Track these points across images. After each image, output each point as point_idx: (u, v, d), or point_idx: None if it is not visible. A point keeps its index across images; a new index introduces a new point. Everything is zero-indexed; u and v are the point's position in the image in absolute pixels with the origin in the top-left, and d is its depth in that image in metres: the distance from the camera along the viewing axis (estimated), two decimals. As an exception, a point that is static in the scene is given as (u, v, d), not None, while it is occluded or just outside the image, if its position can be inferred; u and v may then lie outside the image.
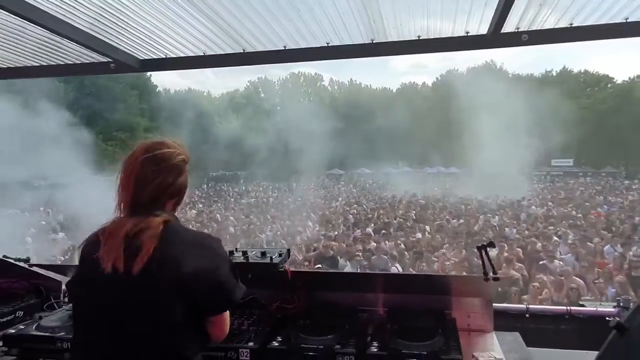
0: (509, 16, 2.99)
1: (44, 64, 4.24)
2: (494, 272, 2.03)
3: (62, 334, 2.15)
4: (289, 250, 2.35)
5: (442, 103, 48.57)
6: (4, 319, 2.46)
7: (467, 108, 44.31)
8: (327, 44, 3.66)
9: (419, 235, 11.84)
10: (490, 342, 2.23)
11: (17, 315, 2.54)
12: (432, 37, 3.50)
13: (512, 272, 7.69)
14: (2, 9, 2.94)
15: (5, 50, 4.04)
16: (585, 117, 36.42)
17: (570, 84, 45.22)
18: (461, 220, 14.51)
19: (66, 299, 2.84)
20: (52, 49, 3.95)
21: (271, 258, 2.19)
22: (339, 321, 2.19)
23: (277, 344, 1.99)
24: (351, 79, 64.59)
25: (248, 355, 1.94)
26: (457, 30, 3.39)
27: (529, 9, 3.08)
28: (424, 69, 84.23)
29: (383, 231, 12.39)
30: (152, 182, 1.53)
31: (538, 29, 3.33)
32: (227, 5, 3.20)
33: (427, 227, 13.34)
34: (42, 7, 3.13)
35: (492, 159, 42.60)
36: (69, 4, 3.16)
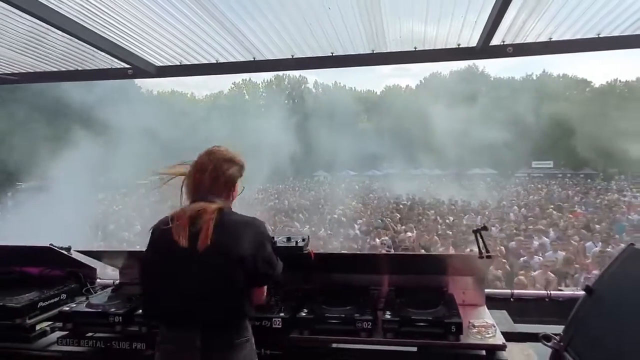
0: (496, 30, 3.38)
1: (63, 69, 4.47)
2: (487, 252, 2.40)
3: (113, 309, 2.45)
4: (308, 237, 2.69)
5: (426, 105, 49.33)
6: (51, 301, 2.76)
7: (450, 111, 45.09)
8: (332, 53, 4.00)
9: (409, 234, 12.23)
10: (482, 313, 2.60)
11: (61, 298, 2.83)
12: (427, 48, 3.87)
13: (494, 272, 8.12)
14: (24, 12, 3.17)
15: (25, 55, 4.26)
16: (564, 119, 37.41)
17: (550, 87, 46.31)
18: (447, 220, 14.96)
19: (97, 286, 3.15)
20: (71, 54, 4.18)
21: (296, 242, 2.53)
22: (354, 297, 2.54)
23: (304, 314, 2.33)
24: (335, 81, 64.95)
25: (280, 324, 2.29)
26: (450, 42, 3.77)
27: (514, 25, 3.48)
28: (407, 72, 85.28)
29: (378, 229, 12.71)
30: (207, 171, 1.93)
31: (521, 42, 3.74)
32: (241, 14, 3.48)
33: (413, 227, 13.75)
34: (63, 12, 3.36)
35: (474, 160, 43.51)
36: (90, 10, 3.39)
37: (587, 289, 1.91)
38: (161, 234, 1.86)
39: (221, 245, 1.76)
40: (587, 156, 38.94)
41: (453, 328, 2.16)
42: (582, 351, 1.81)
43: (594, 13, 3.34)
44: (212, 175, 1.93)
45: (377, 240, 11.11)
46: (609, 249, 9.57)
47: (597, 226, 12.63)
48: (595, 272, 8.03)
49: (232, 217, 1.90)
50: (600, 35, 3.66)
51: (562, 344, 1.91)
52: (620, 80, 50.56)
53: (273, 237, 2.22)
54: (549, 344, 1.95)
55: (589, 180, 35.94)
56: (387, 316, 2.25)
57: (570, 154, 38.56)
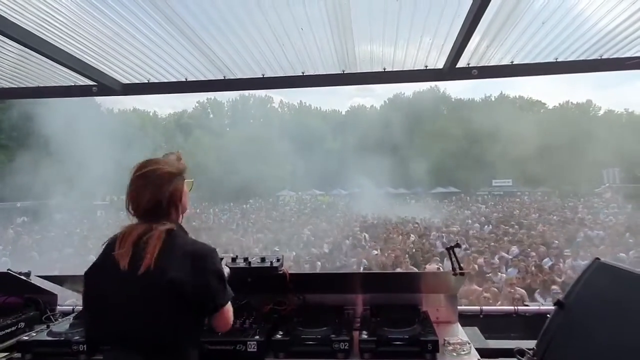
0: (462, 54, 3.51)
1: (23, 86, 4.30)
2: (460, 269, 2.44)
3: (77, 338, 2.33)
4: (283, 257, 2.65)
5: (390, 126, 50.39)
6: (8, 330, 2.58)
7: (413, 131, 46.24)
8: (303, 72, 4.03)
9: (375, 252, 12.30)
10: (456, 330, 2.62)
11: (18, 326, 2.66)
12: (396, 69, 3.96)
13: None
14: None
15: (-18, 71, 4.07)
16: (521, 139, 38.98)
17: (507, 108, 48.26)
18: (412, 238, 15.17)
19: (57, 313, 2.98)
20: (32, 70, 4.02)
21: (271, 262, 2.49)
22: (330, 317, 2.51)
23: (280, 336, 2.28)
24: (301, 101, 65.53)
25: (255, 347, 2.22)
26: (418, 64, 3.88)
27: (478, 48, 3.63)
28: (371, 92, 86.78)
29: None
30: (147, 193, 1.84)
31: (486, 65, 3.89)
32: (212, 31, 3.43)
33: (378, 247, 13.86)
34: (19, 23, 3.18)
35: (437, 179, 44.58)
36: (50, 23, 3.25)
37: (558, 303, 1.97)
38: (109, 252, 1.80)
39: (161, 269, 1.71)
40: (543, 175, 40.55)
41: (429, 346, 2.16)
42: (555, 365, 1.85)
43: (552, 39, 3.52)
44: (154, 199, 1.84)
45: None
46: (564, 265, 10.03)
47: (556, 242, 13.13)
48: (555, 287, 8.32)
49: (179, 240, 1.83)
50: (558, 60, 3.85)
51: (535, 358, 1.95)
52: (572, 102, 53.44)
53: (235, 260, 2.15)
54: (522, 358, 1.98)
55: (545, 197, 37.37)
56: (364, 336, 2.24)
57: (528, 172, 40.05)
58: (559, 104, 54.43)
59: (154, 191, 1.84)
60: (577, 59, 3.84)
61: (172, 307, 1.72)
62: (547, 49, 3.69)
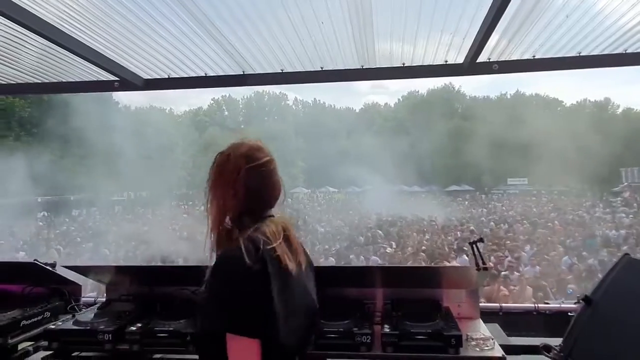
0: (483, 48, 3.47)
1: (47, 81, 4.37)
2: (484, 264, 2.42)
3: (102, 327, 2.36)
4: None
5: (404, 123, 50.16)
6: (34, 319, 2.63)
7: (427, 128, 45.92)
8: (321, 68, 4.03)
9: (389, 249, 12.27)
10: (478, 326, 2.60)
11: (44, 316, 2.71)
12: (415, 64, 3.94)
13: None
14: (3, 16, 2.94)
15: (6, 66, 4.13)
16: (537, 137, 38.43)
17: (523, 106, 47.61)
18: (427, 236, 15.10)
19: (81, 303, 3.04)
20: (52, 64, 4.04)
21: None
22: (350, 311, 2.51)
23: (302, 329, 2.28)
24: (315, 98, 65.52)
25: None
26: (438, 59, 3.85)
27: (500, 43, 3.58)
28: (386, 90, 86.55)
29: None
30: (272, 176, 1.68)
31: (507, 59, 3.84)
32: (233, 25, 3.42)
33: (393, 243, 13.82)
34: (42, 17, 3.17)
35: (452, 177, 44.23)
36: (73, 16, 3.26)
37: (586, 299, 1.94)
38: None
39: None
40: (560, 173, 39.97)
41: (453, 341, 2.15)
42: (582, 361, 1.83)
43: (576, 32, 3.46)
44: (273, 174, 1.67)
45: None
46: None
47: (569, 241, 12.97)
48: (572, 286, 8.22)
49: None
50: (581, 54, 3.79)
51: (562, 354, 1.92)
52: (589, 100, 52.53)
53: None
54: (549, 354, 1.96)
55: (562, 197, 36.83)
56: (386, 330, 2.23)
57: (544, 170, 39.50)
58: (577, 101, 53.63)
59: (275, 170, 1.74)
60: (601, 53, 3.77)
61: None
62: (570, 43, 3.63)
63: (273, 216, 1.67)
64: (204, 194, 1.62)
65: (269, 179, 1.65)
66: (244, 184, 1.56)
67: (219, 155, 1.66)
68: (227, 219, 1.60)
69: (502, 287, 7.78)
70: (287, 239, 1.60)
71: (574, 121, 42.69)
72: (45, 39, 3.39)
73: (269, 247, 1.48)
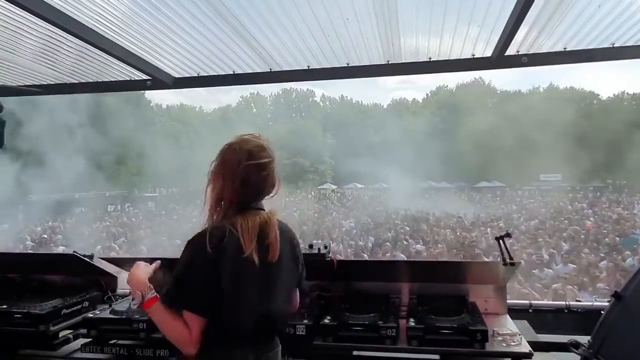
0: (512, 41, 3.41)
1: (83, 81, 4.54)
2: (511, 259, 2.40)
3: (137, 316, 2.46)
4: (330, 244, 2.71)
5: (433, 119, 49.47)
6: (74, 309, 2.77)
7: (456, 124, 45.15)
8: (347, 64, 4.05)
9: (418, 246, 12.18)
10: (505, 322, 2.58)
11: (83, 305, 2.84)
12: (442, 58, 3.90)
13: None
14: (39, 18, 3.12)
15: (42, 65, 4.28)
16: (572, 132, 37.22)
17: (557, 100, 46.17)
18: (457, 233, 14.89)
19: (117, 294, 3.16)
20: (88, 65, 4.20)
21: (319, 249, 2.55)
22: (376, 304, 2.54)
23: (327, 321, 2.33)
24: (342, 95, 65.24)
25: (304, 331, 2.29)
26: (465, 52, 3.81)
27: (529, 35, 3.51)
28: (413, 85, 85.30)
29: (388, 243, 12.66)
30: (266, 170, 1.75)
31: (536, 52, 3.76)
32: (260, 23, 3.49)
33: (421, 240, 13.68)
34: (79, 19, 3.33)
35: (482, 173, 43.40)
36: (107, 18, 3.39)
37: (617, 295, 1.90)
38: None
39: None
40: (595, 169, 38.70)
41: (478, 336, 2.15)
42: (612, 358, 1.80)
43: (609, 23, 3.36)
44: (271, 174, 1.76)
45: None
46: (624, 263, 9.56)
47: (607, 239, 12.56)
48: (601, 284, 7.97)
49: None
50: (615, 45, 3.68)
51: (591, 350, 1.90)
52: (627, 93, 50.41)
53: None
54: (577, 351, 1.94)
55: (597, 193, 35.62)
56: (412, 324, 2.25)
57: (579, 167, 38.30)
58: (614, 94, 51.45)
59: (272, 165, 1.82)
60: (636, 44, 3.66)
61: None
62: (603, 34, 3.53)
63: (263, 210, 1.78)
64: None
65: (266, 177, 1.74)
66: (241, 177, 1.68)
67: (226, 146, 1.77)
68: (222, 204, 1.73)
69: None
70: (262, 235, 1.68)
71: (610, 115, 41.18)
72: (82, 40, 3.54)
73: (233, 238, 1.61)
